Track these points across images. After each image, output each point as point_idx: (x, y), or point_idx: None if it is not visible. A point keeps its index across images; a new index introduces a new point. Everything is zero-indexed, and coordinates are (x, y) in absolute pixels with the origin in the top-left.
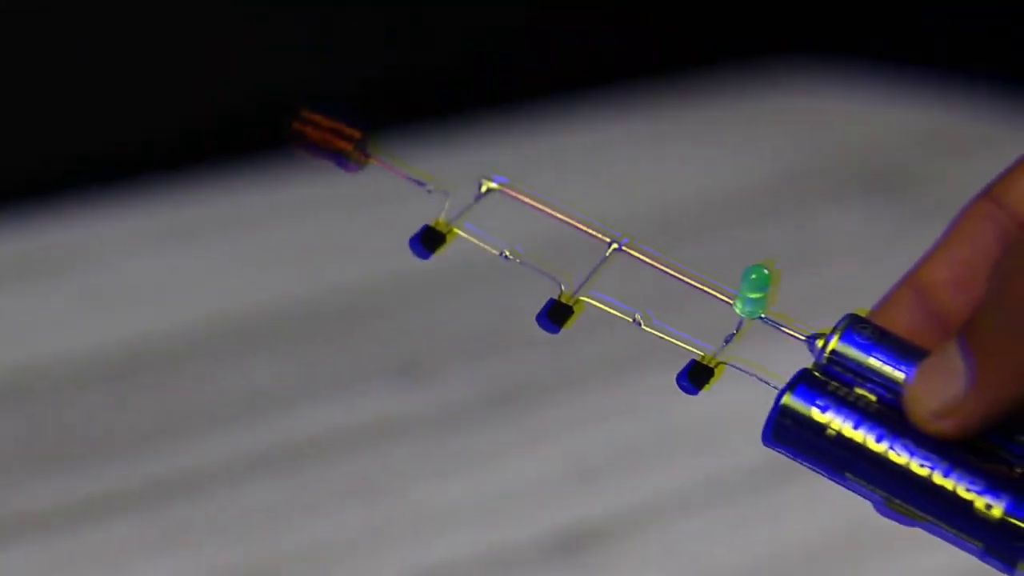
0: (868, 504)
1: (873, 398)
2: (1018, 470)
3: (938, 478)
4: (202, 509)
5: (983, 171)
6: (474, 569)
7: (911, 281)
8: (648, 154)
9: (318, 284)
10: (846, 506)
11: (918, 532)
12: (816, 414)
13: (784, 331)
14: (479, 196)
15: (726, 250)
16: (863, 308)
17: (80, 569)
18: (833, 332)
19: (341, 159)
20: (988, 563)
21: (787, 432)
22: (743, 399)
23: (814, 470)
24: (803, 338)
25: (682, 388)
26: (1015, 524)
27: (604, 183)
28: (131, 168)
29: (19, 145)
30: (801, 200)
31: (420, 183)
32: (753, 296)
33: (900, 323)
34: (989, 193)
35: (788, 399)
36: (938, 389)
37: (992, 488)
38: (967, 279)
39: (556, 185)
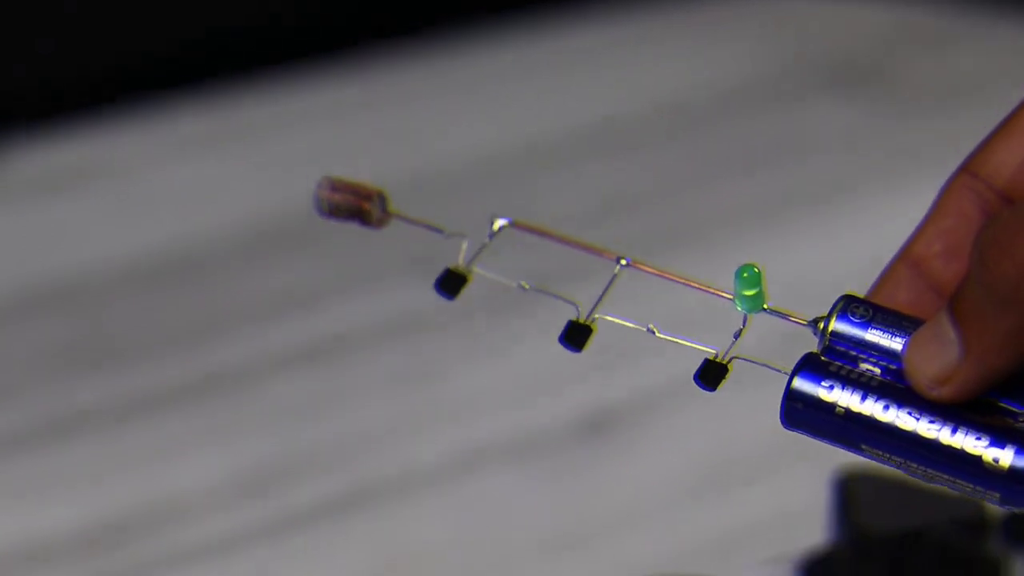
0: None
1: (877, 371)
2: (1021, 423)
3: (945, 439)
4: (240, 404)
5: (957, 65)
6: (504, 452)
7: (905, 256)
8: (630, 59)
9: None
10: None
11: None
12: (823, 394)
13: (789, 319)
14: (492, 235)
15: (709, 148)
16: (854, 291)
17: (126, 463)
18: (829, 314)
19: (363, 220)
20: (1011, 510)
21: (800, 414)
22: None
23: (834, 446)
24: (806, 323)
25: (700, 387)
26: (1023, 472)
27: (583, 88)
28: (155, 80)
29: (47, 61)
30: (779, 97)
31: (437, 230)
32: (748, 293)
33: (899, 298)
34: (967, 167)
35: (795, 383)
36: (934, 358)
37: (997, 441)
38: (956, 249)
39: (544, 91)
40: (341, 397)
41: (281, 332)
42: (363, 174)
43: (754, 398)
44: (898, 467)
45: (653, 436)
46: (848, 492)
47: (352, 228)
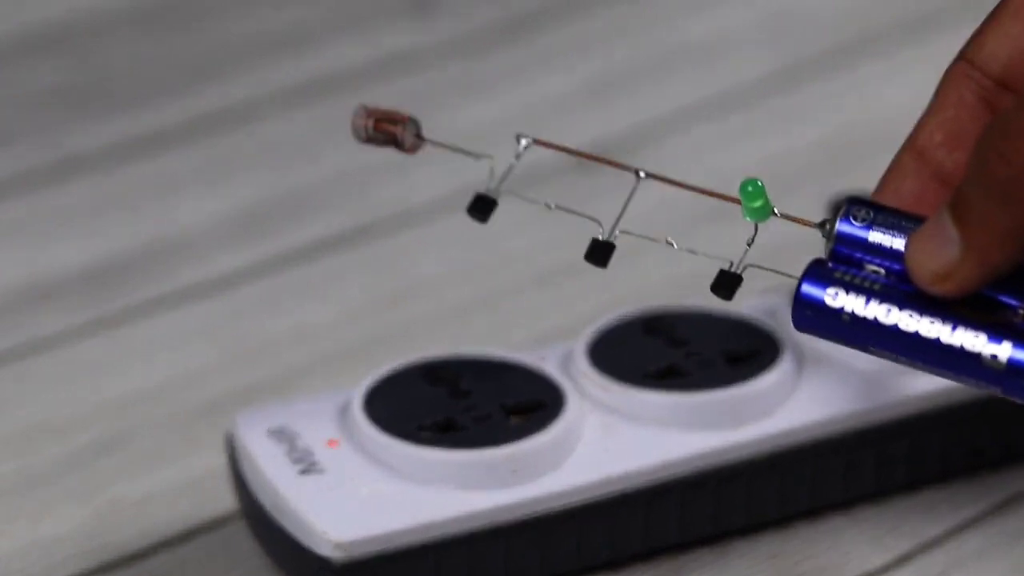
0: (880, 100)
1: (881, 271)
2: (1019, 318)
3: (946, 337)
4: (237, 143)
5: None
6: (506, 182)
7: (909, 147)
8: None
9: None
10: (858, 108)
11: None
12: (829, 300)
13: (798, 222)
14: (519, 154)
15: None
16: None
17: (125, 203)
18: (832, 218)
19: (398, 143)
20: (1016, 401)
21: (809, 320)
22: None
23: (845, 345)
24: (815, 225)
25: (717, 296)
26: (1019, 366)
27: None
28: None
29: None
30: None
31: (467, 152)
32: (754, 205)
33: (906, 189)
34: (963, 56)
35: (802, 290)
36: (935, 255)
37: (994, 337)
38: (958, 138)
39: None
40: (339, 134)
41: (277, 71)
42: None
43: (750, 132)
44: (906, 366)
45: (647, 168)
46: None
47: None
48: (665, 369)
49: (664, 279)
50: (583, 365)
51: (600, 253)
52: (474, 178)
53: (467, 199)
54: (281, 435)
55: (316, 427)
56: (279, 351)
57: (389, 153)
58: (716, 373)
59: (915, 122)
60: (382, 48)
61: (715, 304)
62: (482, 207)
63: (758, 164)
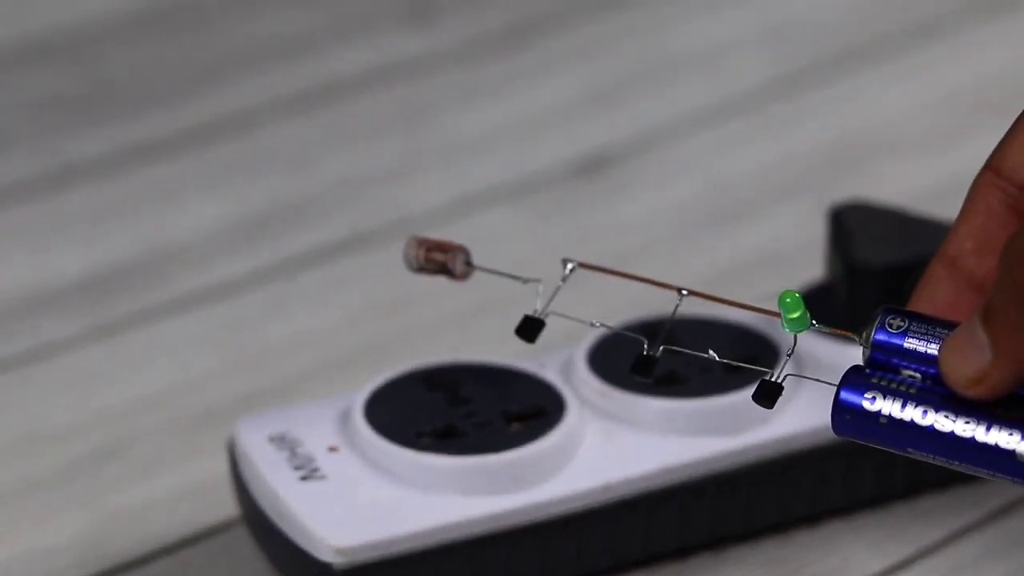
0: (880, 107)
1: (918, 376)
2: None
3: (981, 436)
4: (237, 152)
5: None
6: (501, 194)
7: (941, 256)
8: None
9: None
10: (857, 114)
11: (927, 130)
12: (867, 404)
13: (835, 333)
14: (565, 277)
15: None
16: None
17: (125, 211)
18: (868, 327)
19: (450, 272)
20: None
21: (848, 424)
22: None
23: (884, 448)
24: (852, 336)
25: (759, 404)
26: None
27: None
28: None
29: None
30: None
31: (516, 277)
32: (792, 317)
33: (939, 297)
34: (990, 165)
35: (841, 396)
36: (967, 360)
37: None
38: (988, 245)
39: None
40: (338, 142)
41: (277, 78)
42: None
43: (750, 138)
44: (944, 465)
45: (649, 175)
46: (844, 225)
47: None
48: (665, 376)
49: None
50: (583, 372)
51: (643, 368)
52: (472, 187)
53: (466, 205)
54: (282, 441)
55: (317, 433)
56: (280, 357)
57: (388, 160)
58: (715, 380)
59: (913, 129)
60: (383, 55)
61: (715, 311)
62: (530, 329)
63: (758, 170)
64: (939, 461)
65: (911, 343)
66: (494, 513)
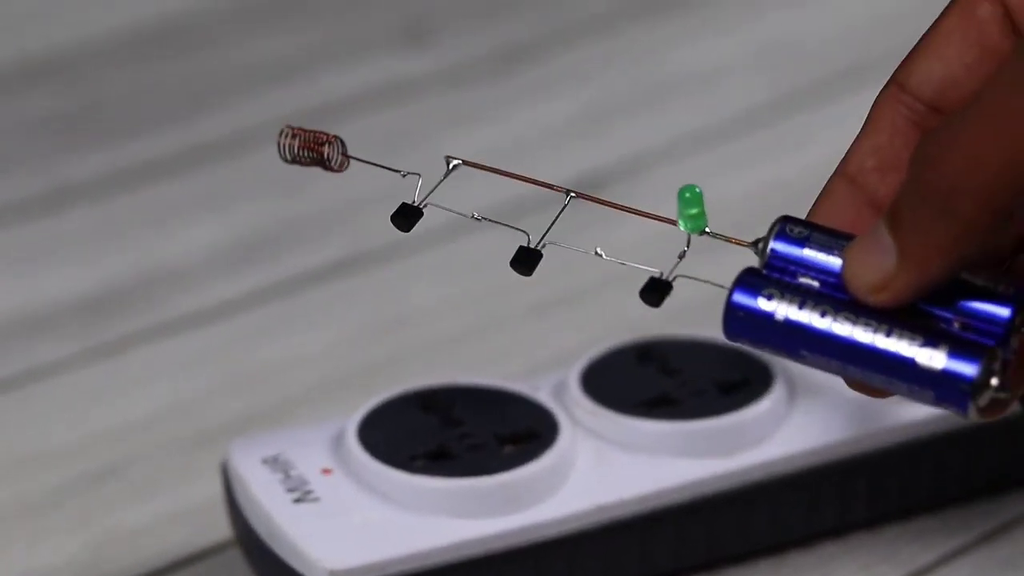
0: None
1: (816, 283)
2: (952, 329)
3: (881, 341)
4: (231, 173)
5: None
6: (496, 215)
7: (841, 173)
8: None
9: None
10: (850, 138)
11: None
12: (762, 303)
13: (730, 240)
14: (448, 173)
15: None
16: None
17: (120, 233)
18: (767, 235)
19: (325, 163)
20: (944, 408)
21: (741, 323)
22: (733, 49)
23: (776, 354)
24: (747, 244)
25: (645, 302)
26: (956, 370)
27: None
28: None
29: None
30: None
31: (395, 170)
32: (690, 212)
33: (838, 214)
34: (895, 80)
35: (735, 295)
36: (871, 265)
37: (931, 342)
38: (890, 163)
39: None
40: None
41: (272, 100)
42: None
43: (742, 161)
44: (837, 373)
45: (641, 199)
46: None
47: (333, 1)
48: (658, 398)
49: (656, 309)
50: (576, 394)
51: (526, 259)
52: (465, 210)
53: (460, 230)
54: (276, 463)
55: (310, 455)
56: (274, 380)
57: (383, 183)
58: (709, 401)
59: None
60: (376, 78)
61: (708, 333)
62: (407, 216)
63: (750, 194)
64: (834, 367)
65: (810, 252)
66: (487, 535)
